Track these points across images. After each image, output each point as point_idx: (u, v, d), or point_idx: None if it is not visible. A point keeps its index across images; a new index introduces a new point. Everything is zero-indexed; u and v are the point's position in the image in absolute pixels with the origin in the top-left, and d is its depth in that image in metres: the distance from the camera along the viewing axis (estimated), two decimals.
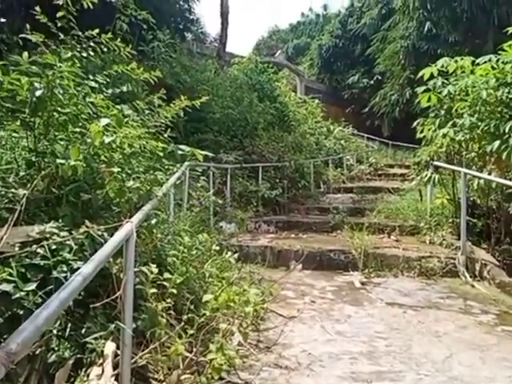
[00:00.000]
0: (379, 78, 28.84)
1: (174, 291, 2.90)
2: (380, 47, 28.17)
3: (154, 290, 2.74)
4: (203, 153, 6.43)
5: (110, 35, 5.72)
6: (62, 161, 3.06)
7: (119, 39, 6.76)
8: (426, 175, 7.02)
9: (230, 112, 12.27)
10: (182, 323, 2.82)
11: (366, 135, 27.66)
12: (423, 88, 7.06)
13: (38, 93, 3.38)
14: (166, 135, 5.84)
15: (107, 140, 3.30)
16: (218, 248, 4.24)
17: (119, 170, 3.18)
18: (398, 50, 24.85)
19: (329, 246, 6.40)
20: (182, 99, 6.07)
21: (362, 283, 5.44)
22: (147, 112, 5.66)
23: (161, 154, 3.66)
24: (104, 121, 3.15)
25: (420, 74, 7.19)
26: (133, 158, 3.60)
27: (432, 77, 7.12)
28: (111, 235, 2.69)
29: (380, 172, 20.06)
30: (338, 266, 6.06)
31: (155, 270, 2.77)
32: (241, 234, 7.45)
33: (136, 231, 3.15)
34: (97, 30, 5.49)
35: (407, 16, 24.03)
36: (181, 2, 19.16)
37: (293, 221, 9.24)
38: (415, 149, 21.13)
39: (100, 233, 2.99)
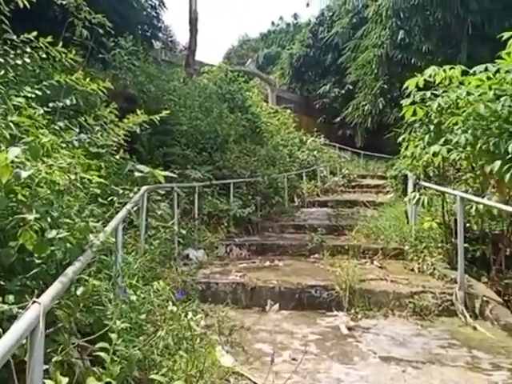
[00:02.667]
0: (350, 87, 28.56)
1: None
2: (352, 56, 27.85)
3: None
4: (164, 173, 5.61)
5: (57, 41, 4.92)
6: None
7: (78, 46, 5.93)
8: (415, 197, 6.35)
9: (199, 124, 11.44)
10: None
11: (338, 145, 27.33)
12: (409, 100, 6.43)
13: None
14: (117, 156, 5.05)
15: (24, 174, 2.48)
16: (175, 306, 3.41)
17: (37, 216, 2.34)
18: (371, 59, 24.50)
19: (309, 281, 5.62)
20: (138, 113, 5.26)
21: (349, 328, 4.68)
22: (97, 129, 4.81)
23: (97, 192, 2.84)
24: (13, 151, 2.32)
25: (405, 84, 6.56)
26: (64, 195, 2.77)
27: (417, 88, 6.53)
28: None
29: (354, 183, 19.75)
30: (320, 305, 5.28)
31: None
32: (209, 265, 6.62)
33: (57, 304, 2.33)
34: (35, 33, 4.65)
35: (380, 24, 23.71)
36: (148, 10, 18.40)
37: (267, 243, 8.47)
38: (387, 159, 21.02)
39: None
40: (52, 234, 2.40)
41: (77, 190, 2.77)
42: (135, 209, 5.01)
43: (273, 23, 49.59)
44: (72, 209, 2.71)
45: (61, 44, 4.85)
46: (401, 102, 6.62)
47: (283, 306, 5.28)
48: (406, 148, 6.75)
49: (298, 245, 8.12)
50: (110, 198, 3.97)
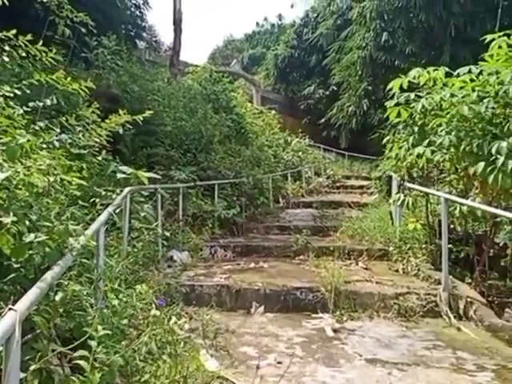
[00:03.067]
0: (335, 88, 28.68)
1: None
2: (336, 58, 27.96)
3: None
4: (148, 175, 5.53)
5: (37, 39, 4.82)
6: None
7: (60, 45, 5.82)
8: (399, 198, 6.36)
9: (183, 124, 11.35)
10: None
11: (322, 146, 27.44)
12: (393, 102, 6.44)
13: None
14: (100, 157, 4.97)
15: (1, 176, 2.41)
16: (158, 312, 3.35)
17: (15, 219, 2.27)
18: (355, 61, 24.60)
19: (294, 283, 5.59)
20: (121, 113, 5.18)
21: (335, 330, 4.65)
22: (79, 129, 4.72)
23: (78, 194, 2.77)
24: None
25: (389, 86, 6.57)
26: (43, 197, 2.70)
27: (401, 89, 6.54)
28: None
29: (338, 184, 19.83)
30: (305, 307, 5.24)
31: None
32: (193, 267, 6.56)
33: (35, 311, 2.25)
34: (14, 31, 4.55)
35: (364, 26, 23.83)
36: (132, 9, 18.30)
37: (252, 245, 8.44)
38: (372, 160, 21.14)
39: None
40: (30, 237, 2.33)
41: (56, 192, 2.69)
42: (118, 210, 4.94)
43: (257, 24, 49.66)
44: (51, 211, 2.63)
45: (41, 42, 4.76)
46: (385, 104, 6.64)
47: (268, 309, 5.24)
48: (391, 149, 6.76)
49: (283, 246, 8.09)
50: (91, 200, 3.90)
